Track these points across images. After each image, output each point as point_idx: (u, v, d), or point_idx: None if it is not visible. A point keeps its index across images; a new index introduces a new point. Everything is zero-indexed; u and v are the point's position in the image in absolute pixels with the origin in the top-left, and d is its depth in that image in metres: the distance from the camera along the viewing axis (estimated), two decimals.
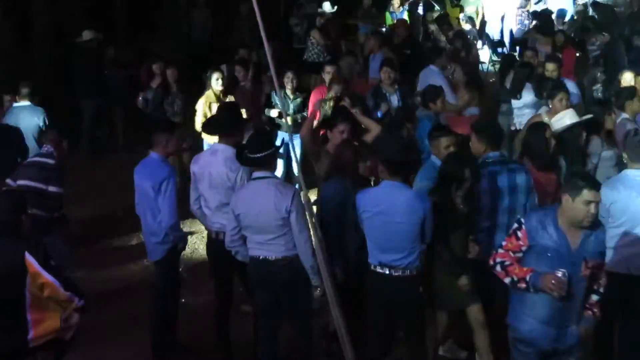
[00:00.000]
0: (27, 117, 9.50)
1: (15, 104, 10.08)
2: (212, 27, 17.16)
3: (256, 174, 6.35)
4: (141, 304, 7.78)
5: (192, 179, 7.03)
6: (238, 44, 15.49)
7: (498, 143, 7.01)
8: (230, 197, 6.65)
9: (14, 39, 14.20)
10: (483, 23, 18.93)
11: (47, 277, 5.45)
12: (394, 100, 10.23)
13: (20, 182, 7.66)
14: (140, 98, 11.50)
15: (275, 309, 6.48)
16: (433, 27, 16.72)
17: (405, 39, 14.39)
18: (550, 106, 8.72)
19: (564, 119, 7.84)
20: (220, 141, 6.91)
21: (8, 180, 7.77)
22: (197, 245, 9.04)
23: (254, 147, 6.30)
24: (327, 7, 16.76)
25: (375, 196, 6.26)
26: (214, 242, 6.98)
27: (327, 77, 10.08)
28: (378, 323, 6.43)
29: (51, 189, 7.64)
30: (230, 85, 10.98)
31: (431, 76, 11.20)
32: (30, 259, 5.43)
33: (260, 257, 6.35)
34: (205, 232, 7.76)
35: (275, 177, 6.36)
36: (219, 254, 6.98)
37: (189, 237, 7.34)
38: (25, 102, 9.92)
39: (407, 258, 6.15)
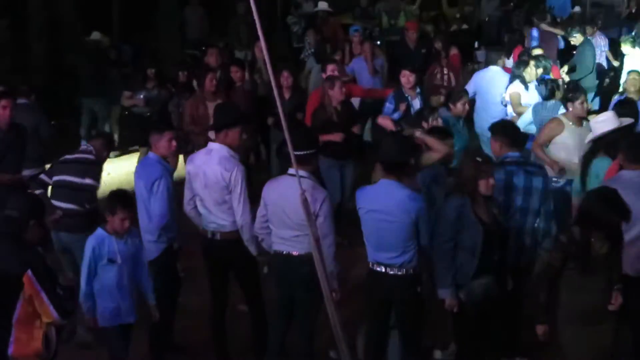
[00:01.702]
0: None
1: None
2: (207, 25, 17.12)
3: (292, 171, 6.31)
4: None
5: (187, 179, 7.02)
6: (234, 42, 15.52)
7: (515, 143, 6.99)
8: (226, 196, 6.69)
9: (10, 37, 14.19)
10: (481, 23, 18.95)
11: (45, 300, 5.43)
12: (416, 104, 10.02)
13: (56, 178, 7.63)
14: (141, 96, 11.50)
15: (289, 304, 6.59)
16: (429, 27, 16.75)
17: (418, 40, 14.19)
18: (571, 109, 8.54)
19: (606, 122, 7.65)
20: (217, 140, 6.89)
21: (42, 176, 7.74)
22: (193, 244, 8.99)
23: (294, 143, 6.29)
24: (323, 6, 16.71)
25: (370, 194, 6.29)
26: (210, 242, 6.96)
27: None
28: (376, 321, 6.46)
29: (87, 181, 7.56)
30: (226, 87, 10.92)
31: (495, 75, 11.05)
32: (32, 278, 5.38)
33: (284, 252, 6.43)
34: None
35: (310, 177, 6.30)
36: (214, 254, 6.98)
37: (184, 236, 7.33)
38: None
39: (401, 257, 6.17)
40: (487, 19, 18.51)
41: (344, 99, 9.43)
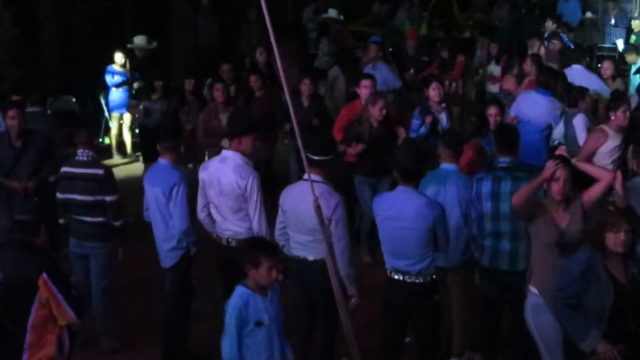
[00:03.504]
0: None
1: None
2: (218, 32, 17.17)
3: (306, 176, 6.25)
4: (149, 311, 7.78)
5: (200, 186, 7.04)
6: (246, 49, 15.54)
7: (507, 148, 6.97)
8: (242, 204, 6.73)
9: (23, 45, 14.24)
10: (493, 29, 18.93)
11: (61, 302, 5.46)
12: (443, 119, 9.53)
13: (69, 195, 7.49)
14: (141, 107, 11.51)
15: (309, 308, 6.61)
16: (440, 33, 16.77)
17: (417, 49, 14.16)
18: (613, 117, 8.38)
19: None
20: (230, 147, 6.91)
21: (59, 196, 7.59)
22: (205, 250, 9.01)
23: (314, 148, 6.34)
24: (332, 13, 16.75)
25: (387, 201, 6.30)
26: (225, 249, 6.96)
27: (363, 92, 9.67)
28: (391, 329, 6.47)
29: (107, 198, 7.42)
30: (246, 97, 10.89)
31: (579, 75, 10.88)
32: (48, 281, 5.41)
33: (300, 257, 6.48)
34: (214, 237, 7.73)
35: (324, 182, 6.34)
36: (229, 260, 6.97)
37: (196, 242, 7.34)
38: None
39: (418, 264, 6.17)
40: (497, 24, 18.48)
41: (382, 119, 9.14)
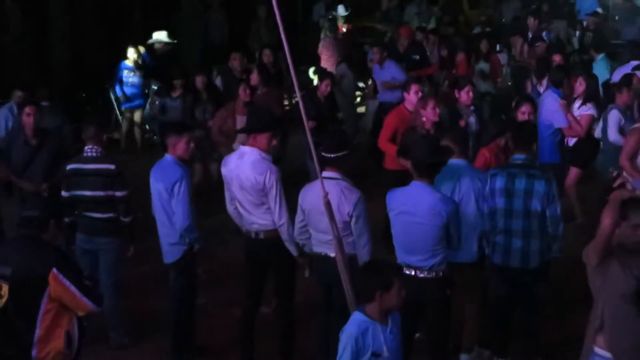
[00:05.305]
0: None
1: None
2: (228, 29, 17.18)
3: (326, 174, 6.29)
4: (158, 307, 7.78)
5: (225, 181, 7.02)
6: (256, 46, 15.55)
7: (522, 145, 6.93)
8: (263, 198, 6.71)
9: (32, 41, 14.27)
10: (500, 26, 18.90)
11: (76, 294, 5.45)
12: (472, 123, 9.25)
13: (79, 192, 7.44)
14: (156, 103, 11.49)
15: (330, 304, 6.57)
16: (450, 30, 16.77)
17: (409, 46, 14.13)
18: None
19: None
20: (247, 143, 6.88)
21: (64, 194, 7.55)
22: (214, 245, 9.03)
23: (327, 146, 6.33)
24: (341, 10, 16.76)
25: (401, 196, 6.23)
26: (254, 242, 6.91)
27: (414, 98, 9.17)
28: (402, 324, 6.40)
29: (118, 193, 7.40)
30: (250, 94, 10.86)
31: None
32: (59, 275, 5.41)
33: (322, 254, 6.46)
34: (221, 232, 7.69)
35: (344, 179, 6.34)
36: (258, 253, 6.95)
37: (206, 236, 7.29)
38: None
39: (430, 259, 6.12)
40: (503, 20, 18.43)
41: (437, 119, 8.76)
